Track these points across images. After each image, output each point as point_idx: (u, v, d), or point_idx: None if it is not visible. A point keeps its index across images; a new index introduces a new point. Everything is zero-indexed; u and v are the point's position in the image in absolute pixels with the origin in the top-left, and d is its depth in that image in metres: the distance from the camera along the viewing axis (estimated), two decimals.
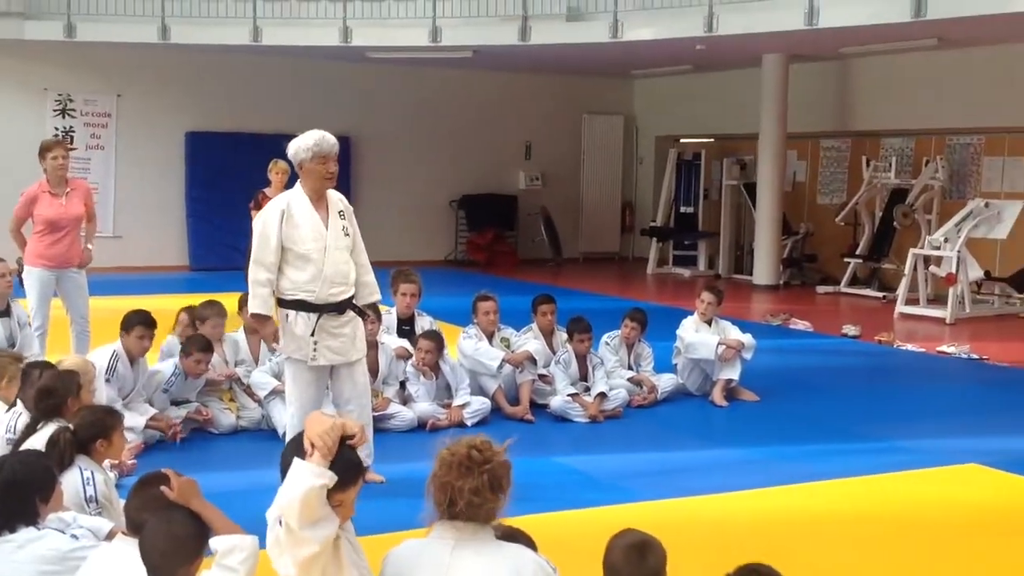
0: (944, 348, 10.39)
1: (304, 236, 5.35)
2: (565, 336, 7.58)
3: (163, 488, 3.04)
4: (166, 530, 2.90)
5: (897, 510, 5.52)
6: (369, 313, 5.77)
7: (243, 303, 7.20)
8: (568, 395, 7.19)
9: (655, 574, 2.96)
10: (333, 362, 5.44)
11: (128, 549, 3.04)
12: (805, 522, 5.25)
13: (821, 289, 14.90)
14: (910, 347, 10.58)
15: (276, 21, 14.18)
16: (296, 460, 2.82)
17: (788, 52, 14.60)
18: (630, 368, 7.88)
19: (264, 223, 5.41)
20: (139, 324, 6.18)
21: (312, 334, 5.35)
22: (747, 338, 7.95)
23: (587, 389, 7.34)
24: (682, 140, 18.35)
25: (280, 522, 2.79)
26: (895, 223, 14.25)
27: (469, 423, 6.83)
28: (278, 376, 6.60)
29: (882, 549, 4.91)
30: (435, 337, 7.09)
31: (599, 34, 13.57)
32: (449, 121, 17.67)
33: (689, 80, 17.49)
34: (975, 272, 12.66)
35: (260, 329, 5.70)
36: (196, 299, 7.74)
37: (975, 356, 10.08)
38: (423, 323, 7.61)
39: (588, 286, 14.64)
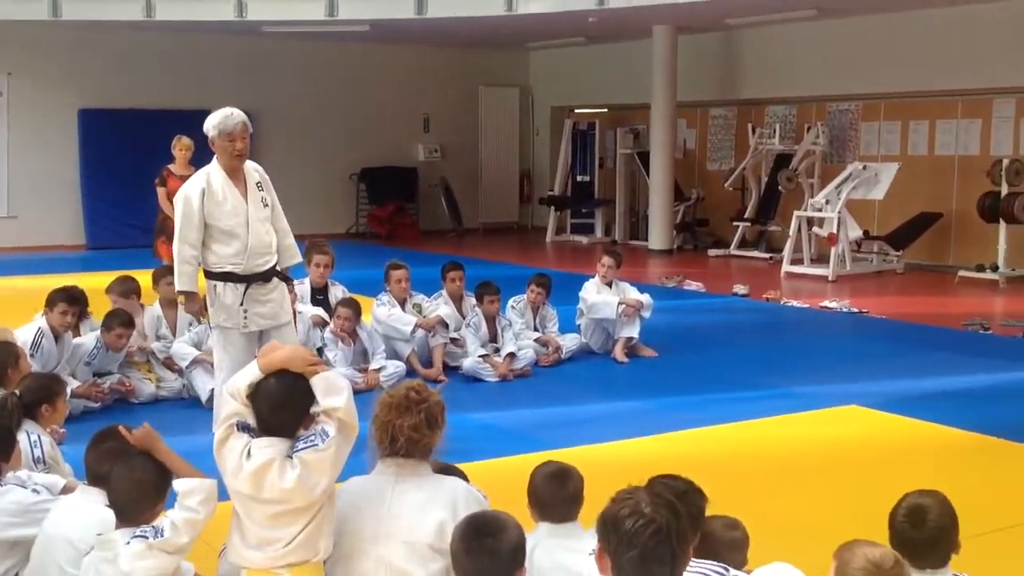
0: (827, 303, 11.04)
1: (226, 212, 5.56)
2: (474, 301, 7.93)
3: (123, 432, 3.29)
4: (129, 476, 3.15)
5: (787, 448, 6.02)
6: (292, 278, 6.03)
7: (158, 277, 7.36)
8: (479, 356, 7.55)
9: (574, 497, 3.34)
10: (263, 327, 5.68)
11: (93, 498, 3.29)
12: (703, 462, 5.66)
13: (712, 252, 15.52)
14: (796, 303, 11.20)
15: None
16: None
17: (676, 23, 15.08)
18: (536, 330, 8.26)
19: (185, 202, 5.58)
20: (62, 300, 6.31)
21: (241, 303, 5.59)
22: (645, 298, 8.41)
23: (497, 350, 7.71)
24: (577, 110, 18.78)
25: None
26: (780, 187, 14.91)
27: (385, 386, 7.12)
28: (198, 346, 6.81)
29: (775, 484, 5.38)
30: (353, 305, 7.38)
31: (495, 7, 13.84)
32: (347, 95, 17.76)
33: (582, 51, 17.90)
34: (855, 232, 13.36)
35: (188, 305, 5.88)
36: (94, 278, 7.80)
37: (855, 310, 10.75)
38: (336, 292, 7.88)
39: (490, 255, 14.98)
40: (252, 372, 3.19)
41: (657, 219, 15.86)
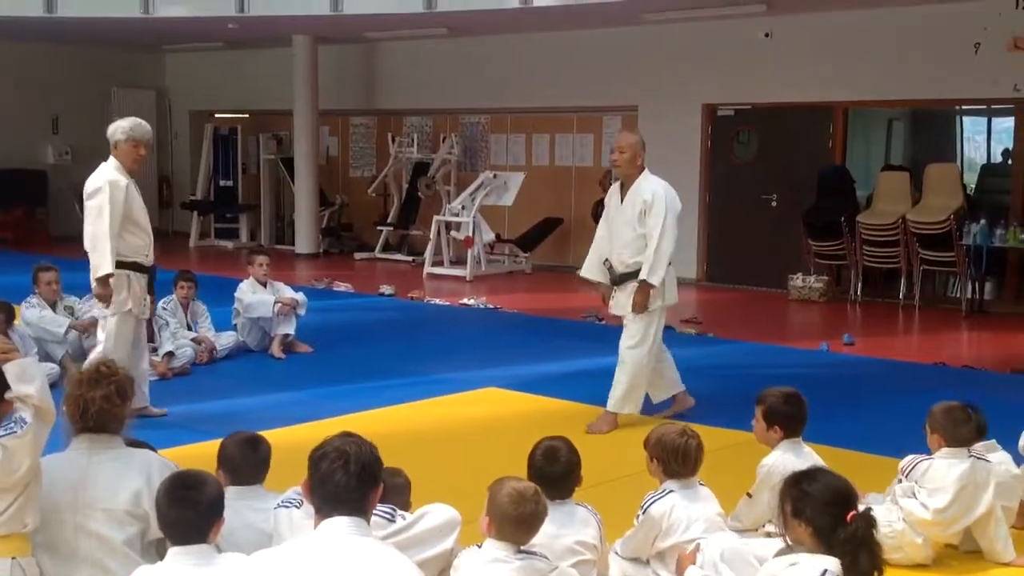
0: (465, 300, 11.95)
1: (137, 207, 6.22)
2: None
3: None
4: None
5: (436, 427, 6.67)
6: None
7: None
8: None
9: (264, 461, 3.75)
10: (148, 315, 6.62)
11: None
12: (376, 442, 6.20)
13: (358, 255, 16.10)
14: (437, 301, 12.02)
15: None
16: None
17: (317, 34, 15.52)
18: (189, 328, 8.41)
19: (112, 190, 6.07)
20: None
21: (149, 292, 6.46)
22: (300, 296, 8.83)
23: (155, 350, 7.79)
24: (217, 115, 18.67)
25: None
26: (419, 193, 15.75)
27: None
28: None
29: (429, 454, 5.98)
30: (4, 307, 7.19)
31: (130, 9, 13.60)
32: None
33: (222, 56, 17.86)
34: (488, 235, 14.42)
35: (103, 288, 6.20)
36: None
37: (491, 306, 11.72)
38: None
39: None
40: None
41: (303, 224, 16.20)
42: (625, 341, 6.63)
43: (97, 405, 3.42)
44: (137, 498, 3.39)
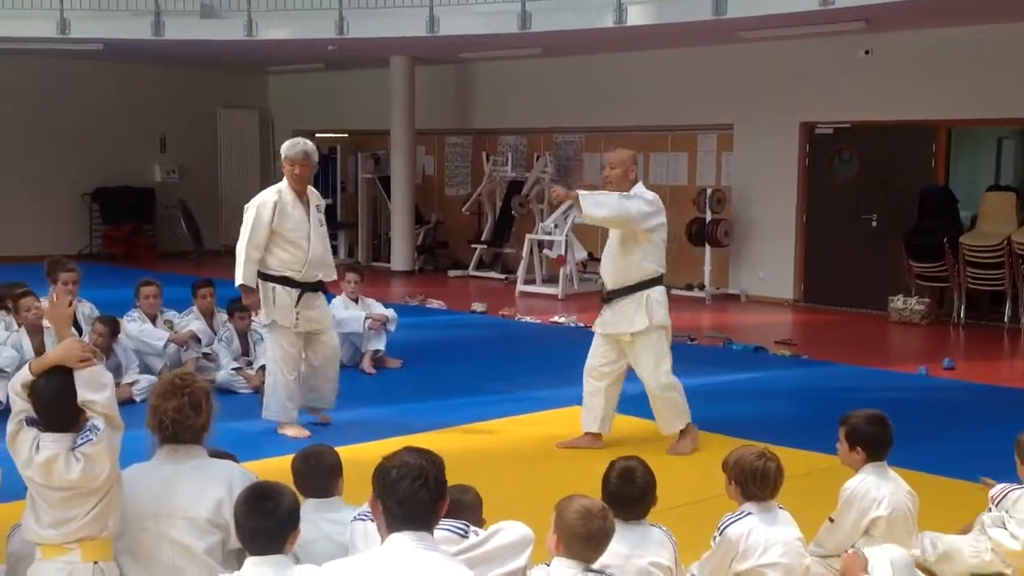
0: (556, 319, 11.96)
1: (291, 224, 6.47)
2: (226, 316, 8.18)
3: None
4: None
5: (521, 445, 6.69)
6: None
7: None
8: (232, 369, 7.82)
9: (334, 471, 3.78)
10: (309, 329, 6.70)
11: None
12: (449, 457, 6.25)
13: (452, 273, 16.25)
14: (529, 319, 12.06)
15: None
16: None
17: (413, 55, 15.75)
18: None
19: (257, 208, 6.47)
20: None
21: (296, 305, 6.61)
22: (390, 312, 8.96)
23: (249, 363, 7.99)
24: (318, 135, 19.03)
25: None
26: (513, 212, 15.84)
27: (137, 399, 7.25)
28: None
29: (511, 477, 6.00)
30: (109, 322, 7.46)
31: (234, 32, 14.00)
32: (80, 113, 17.30)
33: (323, 77, 18.24)
34: (580, 254, 14.39)
35: (246, 298, 6.72)
36: None
37: (581, 324, 11.69)
38: (84, 309, 7.91)
39: (232, 276, 14.97)
40: (25, 373, 3.44)
41: (399, 241, 16.43)
42: (643, 370, 6.47)
43: (170, 416, 3.51)
44: (219, 507, 3.48)
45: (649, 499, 3.74)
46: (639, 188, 6.46)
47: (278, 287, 6.57)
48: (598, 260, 14.82)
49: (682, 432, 6.51)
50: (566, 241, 13.99)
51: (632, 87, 14.91)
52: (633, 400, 7.75)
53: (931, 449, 6.19)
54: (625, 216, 6.20)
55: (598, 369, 6.54)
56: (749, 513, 3.88)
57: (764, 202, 13.85)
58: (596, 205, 6.18)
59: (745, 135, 13.84)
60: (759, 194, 13.91)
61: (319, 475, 3.82)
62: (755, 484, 3.89)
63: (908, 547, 4.10)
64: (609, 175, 6.47)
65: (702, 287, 13.87)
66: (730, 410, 7.68)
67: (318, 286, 6.70)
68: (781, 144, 13.59)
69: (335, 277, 7.02)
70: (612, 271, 6.43)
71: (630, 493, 3.69)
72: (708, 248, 13.78)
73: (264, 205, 6.52)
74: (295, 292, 6.56)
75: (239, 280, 6.55)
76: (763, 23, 11.88)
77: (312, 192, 6.77)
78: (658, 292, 6.39)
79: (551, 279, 14.46)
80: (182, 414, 3.52)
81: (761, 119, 13.70)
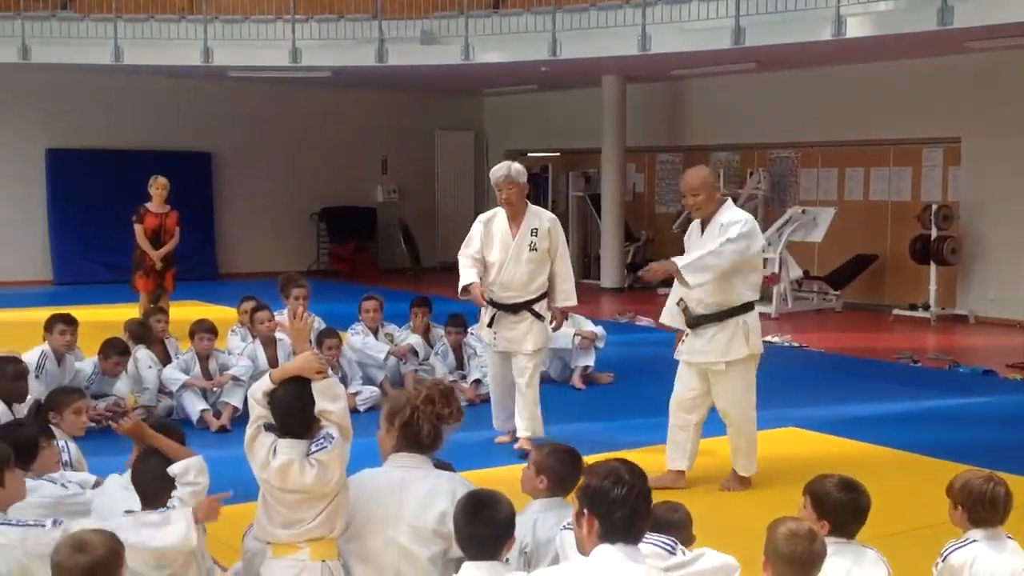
0: (770, 338, 11.69)
1: (493, 246, 6.74)
2: (442, 331, 8.47)
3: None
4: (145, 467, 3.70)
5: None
6: (544, 316, 6.91)
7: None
8: (449, 382, 8.07)
9: (865, 508, 3.69)
10: (507, 349, 6.85)
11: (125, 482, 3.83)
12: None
13: (662, 291, 16.09)
14: None
15: (138, 41, 14.48)
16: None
17: (625, 74, 15.84)
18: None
19: (475, 224, 6.90)
20: (60, 322, 6.77)
21: (490, 325, 6.84)
22: (599, 329, 9.04)
23: (464, 377, 8.25)
24: (530, 154, 19.42)
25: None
26: None
27: (361, 409, 7.62)
28: (187, 372, 7.29)
29: (720, 497, 5.95)
30: (337, 335, 7.88)
31: (452, 56, 14.49)
32: (308, 137, 18.30)
33: (535, 98, 18.58)
34: (795, 272, 14.08)
35: (463, 294, 6.83)
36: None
37: (796, 344, 11.43)
38: (312, 323, 8.36)
39: (447, 292, 15.44)
40: (265, 382, 3.70)
41: (609, 259, 16.51)
42: (728, 399, 6.03)
43: (432, 422, 3.73)
44: (443, 518, 3.60)
45: (862, 517, 3.65)
46: (728, 208, 6.04)
47: (489, 307, 6.80)
48: (814, 279, 14.61)
49: (736, 475, 6.13)
50: (780, 258, 13.70)
51: (850, 100, 14.47)
52: (868, 423, 7.51)
53: None
54: (729, 266, 5.81)
55: (688, 401, 6.09)
56: (975, 540, 3.71)
57: (995, 218, 13.14)
58: (700, 271, 5.77)
59: (974, 148, 13.19)
60: (990, 210, 13.21)
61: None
62: (984, 508, 3.71)
63: None
64: (693, 202, 6.02)
65: (927, 307, 13.27)
66: (953, 435, 7.35)
67: (518, 308, 6.77)
68: (1014, 158, 12.86)
69: (570, 303, 7.02)
70: (702, 294, 5.93)
71: (862, 504, 3.61)
72: (933, 266, 13.18)
73: (478, 222, 6.89)
74: (490, 312, 6.77)
75: (461, 283, 6.79)
76: (991, 32, 11.30)
77: (533, 214, 6.86)
78: (753, 318, 6.02)
79: (764, 297, 14.08)
80: (451, 412, 3.79)
81: (992, 132, 13.02)
